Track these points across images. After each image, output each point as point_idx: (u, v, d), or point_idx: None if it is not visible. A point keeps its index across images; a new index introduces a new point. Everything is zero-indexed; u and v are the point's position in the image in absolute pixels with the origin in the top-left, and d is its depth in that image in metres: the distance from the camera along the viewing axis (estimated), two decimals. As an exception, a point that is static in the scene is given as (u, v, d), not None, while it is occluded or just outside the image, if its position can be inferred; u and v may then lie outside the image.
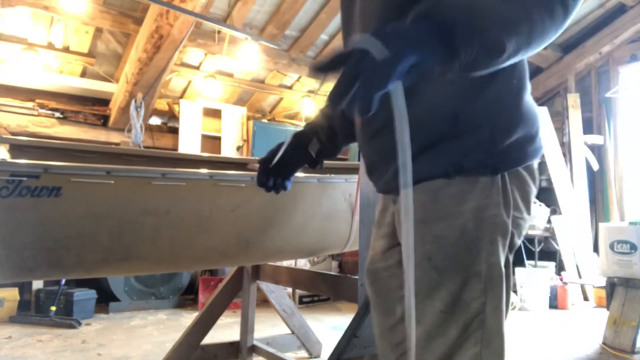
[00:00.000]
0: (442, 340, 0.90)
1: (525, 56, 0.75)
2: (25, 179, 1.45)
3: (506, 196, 0.88)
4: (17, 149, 2.08)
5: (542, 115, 0.91)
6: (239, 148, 5.79)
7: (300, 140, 1.21)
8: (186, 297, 4.97)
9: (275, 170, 1.19)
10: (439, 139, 0.86)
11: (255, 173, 1.22)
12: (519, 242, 0.94)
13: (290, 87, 6.12)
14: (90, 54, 4.74)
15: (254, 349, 2.74)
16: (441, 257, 0.89)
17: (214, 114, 5.75)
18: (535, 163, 0.94)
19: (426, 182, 0.89)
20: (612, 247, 3.36)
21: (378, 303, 1.10)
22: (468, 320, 0.89)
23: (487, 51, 0.68)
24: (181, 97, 5.65)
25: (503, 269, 0.91)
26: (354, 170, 2.62)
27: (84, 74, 4.94)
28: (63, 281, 4.17)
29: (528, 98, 0.91)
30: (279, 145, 1.20)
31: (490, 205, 0.87)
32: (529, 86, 0.92)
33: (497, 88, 0.84)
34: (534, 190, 0.94)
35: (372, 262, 1.12)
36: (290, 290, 4.60)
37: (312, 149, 1.22)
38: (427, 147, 0.87)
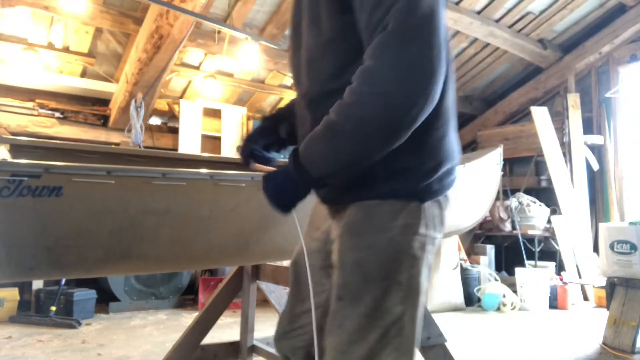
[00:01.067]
0: (362, 345, 0.99)
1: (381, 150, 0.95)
2: (26, 178, 1.46)
3: (427, 218, 1.05)
4: (17, 149, 2.08)
5: (458, 151, 1.14)
6: (239, 148, 5.79)
7: (270, 122, 1.42)
8: (186, 297, 4.97)
9: (254, 148, 1.39)
10: (379, 170, 1.01)
11: (255, 173, 1.36)
12: (432, 258, 1.09)
13: (290, 87, 6.12)
14: (90, 54, 4.74)
15: (254, 349, 2.74)
16: (370, 264, 1.01)
17: (214, 114, 5.75)
18: (449, 192, 1.12)
19: (364, 201, 1.04)
20: (612, 247, 3.36)
21: (294, 288, 1.28)
22: (388, 326, 0.99)
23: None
24: (181, 97, 5.65)
25: (422, 281, 1.04)
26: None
27: (84, 74, 4.94)
28: (63, 281, 4.17)
29: (450, 140, 1.08)
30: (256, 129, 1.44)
31: (416, 225, 1.03)
32: (452, 125, 1.09)
33: (426, 136, 1.00)
34: (447, 214, 1.11)
35: (299, 256, 1.25)
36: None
37: (281, 131, 1.40)
38: (369, 175, 1.02)
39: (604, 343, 3.24)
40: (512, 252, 5.83)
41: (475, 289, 4.86)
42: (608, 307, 3.33)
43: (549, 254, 5.58)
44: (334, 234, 1.13)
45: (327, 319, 1.13)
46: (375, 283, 1.00)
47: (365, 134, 0.92)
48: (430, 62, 0.88)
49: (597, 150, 5.70)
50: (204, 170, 1.84)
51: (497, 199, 5.71)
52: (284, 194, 1.04)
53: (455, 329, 3.79)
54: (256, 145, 1.38)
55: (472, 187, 3.19)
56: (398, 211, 1.02)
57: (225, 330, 3.66)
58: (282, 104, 6.33)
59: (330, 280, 1.17)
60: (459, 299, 4.72)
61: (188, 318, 4.18)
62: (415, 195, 1.03)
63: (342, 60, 1.04)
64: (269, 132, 1.40)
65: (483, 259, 5.39)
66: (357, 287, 1.01)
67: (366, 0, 0.95)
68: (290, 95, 6.18)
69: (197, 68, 5.35)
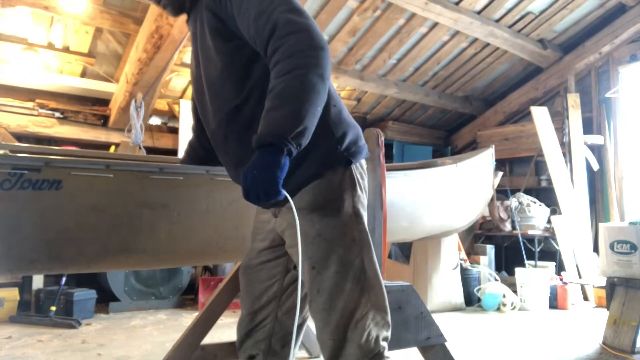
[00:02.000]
0: (342, 296, 1.21)
1: (319, 103, 1.14)
2: (26, 172, 1.48)
3: (357, 182, 1.30)
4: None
5: (357, 125, 1.42)
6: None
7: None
8: (186, 297, 4.97)
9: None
10: (306, 154, 1.22)
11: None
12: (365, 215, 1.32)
13: (290, 87, 6.11)
14: (90, 54, 4.74)
15: (254, 349, 2.73)
16: (328, 231, 1.24)
17: (214, 114, 5.74)
18: (364, 161, 1.38)
19: (309, 184, 1.26)
20: (612, 247, 3.36)
21: (248, 290, 1.46)
22: (356, 274, 1.23)
23: (298, 138, 1.10)
24: (181, 97, 5.65)
25: (368, 232, 1.29)
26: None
27: (84, 74, 4.94)
28: (63, 281, 4.17)
29: (347, 114, 1.37)
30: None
31: (352, 188, 1.29)
32: (344, 106, 1.38)
33: (326, 114, 1.25)
34: (367, 180, 1.37)
35: (249, 259, 1.48)
36: (290, 290, 4.60)
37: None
38: (301, 162, 1.23)
39: (604, 343, 3.24)
40: (512, 252, 5.83)
41: (475, 289, 4.86)
42: (608, 307, 3.32)
43: (549, 254, 5.58)
44: (282, 227, 1.33)
45: (307, 291, 1.30)
46: (337, 245, 1.23)
47: (309, 79, 1.10)
48: (302, 21, 1.15)
49: (597, 150, 5.70)
50: (200, 165, 1.86)
51: (497, 199, 5.72)
52: (268, 174, 1.08)
53: (455, 329, 3.79)
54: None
55: (464, 187, 3.20)
56: (334, 182, 1.27)
57: (225, 330, 3.66)
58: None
59: (279, 270, 1.42)
60: (459, 299, 4.72)
61: (188, 318, 4.18)
62: (340, 159, 1.28)
63: (239, 78, 1.28)
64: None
65: (483, 259, 5.39)
66: (324, 253, 1.23)
67: (246, 18, 1.18)
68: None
69: (197, 68, 5.35)
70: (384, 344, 1.25)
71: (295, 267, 1.34)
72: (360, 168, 1.34)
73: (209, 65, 1.33)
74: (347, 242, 1.24)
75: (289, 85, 1.10)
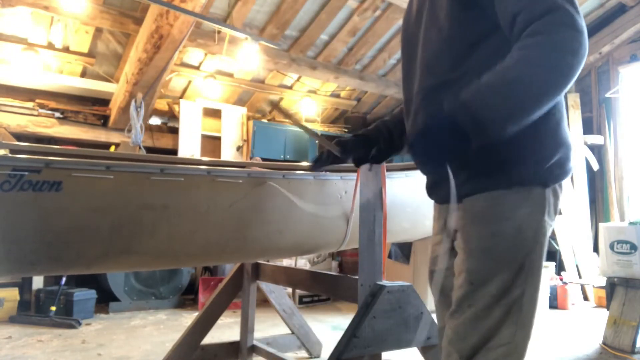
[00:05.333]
0: (487, 320, 1.12)
1: (542, 107, 1.01)
2: (26, 173, 1.47)
3: (549, 206, 1.14)
4: (17, 154, 2.09)
5: (570, 143, 1.21)
6: (239, 148, 5.79)
7: (363, 137, 1.55)
8: (186, 297, 4.97)
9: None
10: (503, 159, 1.11)
11: (253, 170, 1.35)
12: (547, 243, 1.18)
13: (290, 87, 6.12)
14: (90, 54, 4.74)
15: (254, 349, 2.74)
16: (498, 250, 1.11)
17: (214, 114, 5.75)
18: (565, 180, 1.19)
19: (491, 191, 1.13)
20: (612, 247, 3.36)
21: (440, 300, 1.32)
22: (510, 304, 1.11)
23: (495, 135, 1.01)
24: (181, 97, 5.65)
25: (541, 265, 1.15)
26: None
27: (84, 74, 4.94)
28: (63, 281, 4.17)
29: (565, 126, 1.17)
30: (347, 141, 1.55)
31: (540, 212, 1.13)
32: (565, 116, 1.18)
33: (543, 121, 1.09)
34: (560, 203, 1.20)
35: (434, 264, 1.35)
36: (290, 290, 4.61)
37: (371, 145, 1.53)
38: (493, 165, 1.12)
39: (604, 343, 3.24)
40: (512, 252, 5.83)
41: (475, 289, 4.85)
42: (608, 307, 3.33)
43: (549, 254, 5.57)
44: (453, 226, 1.22)
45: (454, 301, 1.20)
46: (503, 267, 1.11)
47: (543, 89, 0.99)
48: (585, 36, 1.00)
49: (597, 150, 5.70)
50: (201, 166, 1.85)
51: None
52: (444, 144, 1.02)
53: (455, 329, 3.78)
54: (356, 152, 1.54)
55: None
56: (522, 199, 1.11)
57: (225, 330, 3.66)
58: (282, 104, 6.36)
59: None
60: (459, 299, 4.71)
61: (188, 318, 4.18)
62: (538, 179, 1.11)
63: (460, 54, 1.16)
64: (365, 143, 1.54)
65: (483, 259, 5.38)
66: (487, 272, 1.12)
67: None
68: (289, 95, 6.19)
69: (197, 68, 5.35)
70: None
71: None
72: (558, 189, 1.18)
73: (433, 26, 1.22)
74: (515, 267, 1.11)
75: (531, 71, 0.99)
